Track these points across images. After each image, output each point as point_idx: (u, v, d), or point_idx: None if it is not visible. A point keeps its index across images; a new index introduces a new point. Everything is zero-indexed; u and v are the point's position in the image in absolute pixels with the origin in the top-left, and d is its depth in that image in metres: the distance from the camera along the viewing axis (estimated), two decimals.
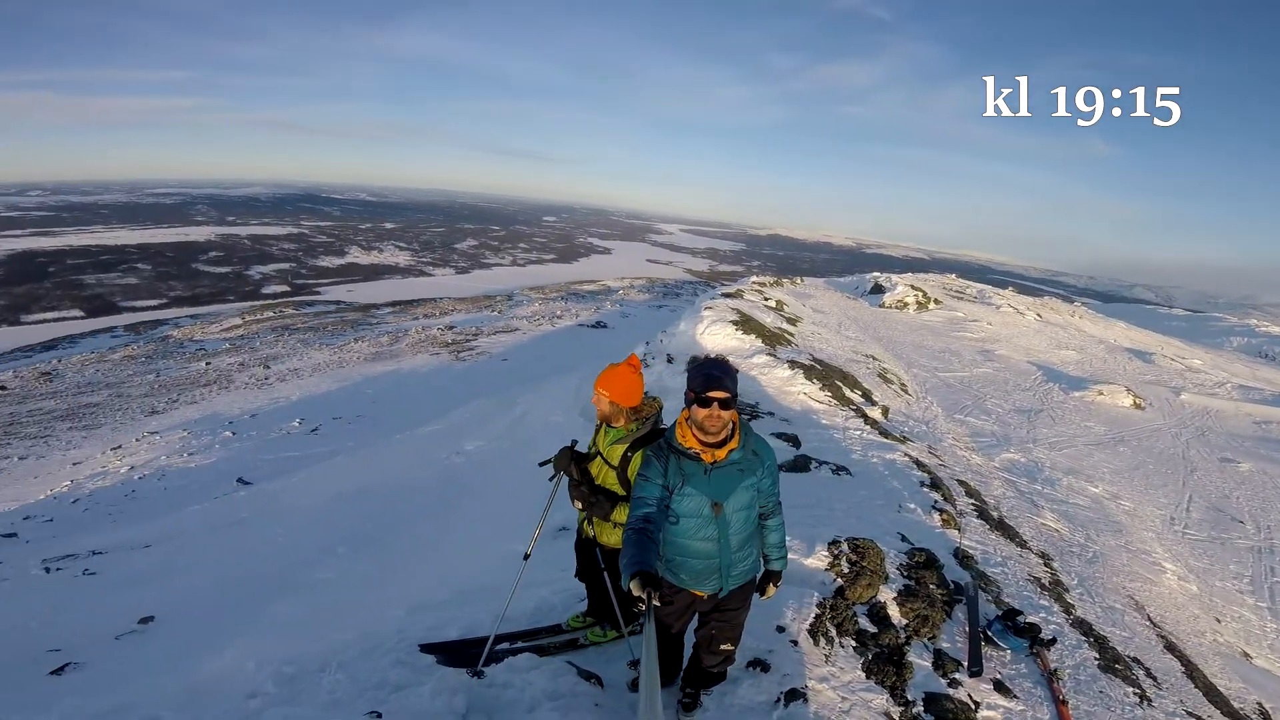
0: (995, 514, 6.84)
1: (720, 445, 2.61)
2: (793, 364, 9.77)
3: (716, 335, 11.03)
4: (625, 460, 2.98)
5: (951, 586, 4.10)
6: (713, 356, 2.70)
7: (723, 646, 2.92)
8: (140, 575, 6.32)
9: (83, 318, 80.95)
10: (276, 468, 11.51)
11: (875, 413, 9.08)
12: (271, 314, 46.31)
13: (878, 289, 29.78)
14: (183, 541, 7.44)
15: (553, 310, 35.46)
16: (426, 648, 3.43)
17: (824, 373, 9.90)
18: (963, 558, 4.80)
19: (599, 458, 3.08)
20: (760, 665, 3.23)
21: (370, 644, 3.38)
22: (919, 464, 7.02)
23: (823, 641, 3.35)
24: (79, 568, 6.88)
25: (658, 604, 2.30)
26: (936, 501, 5.91)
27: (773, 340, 11.50)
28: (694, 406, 2.56)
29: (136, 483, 11.38)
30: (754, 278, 26.26)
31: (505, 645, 3.50)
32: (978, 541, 5.53)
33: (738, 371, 2.70)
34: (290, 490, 8.77)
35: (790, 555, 3.77)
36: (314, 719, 2.75)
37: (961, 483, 7.42)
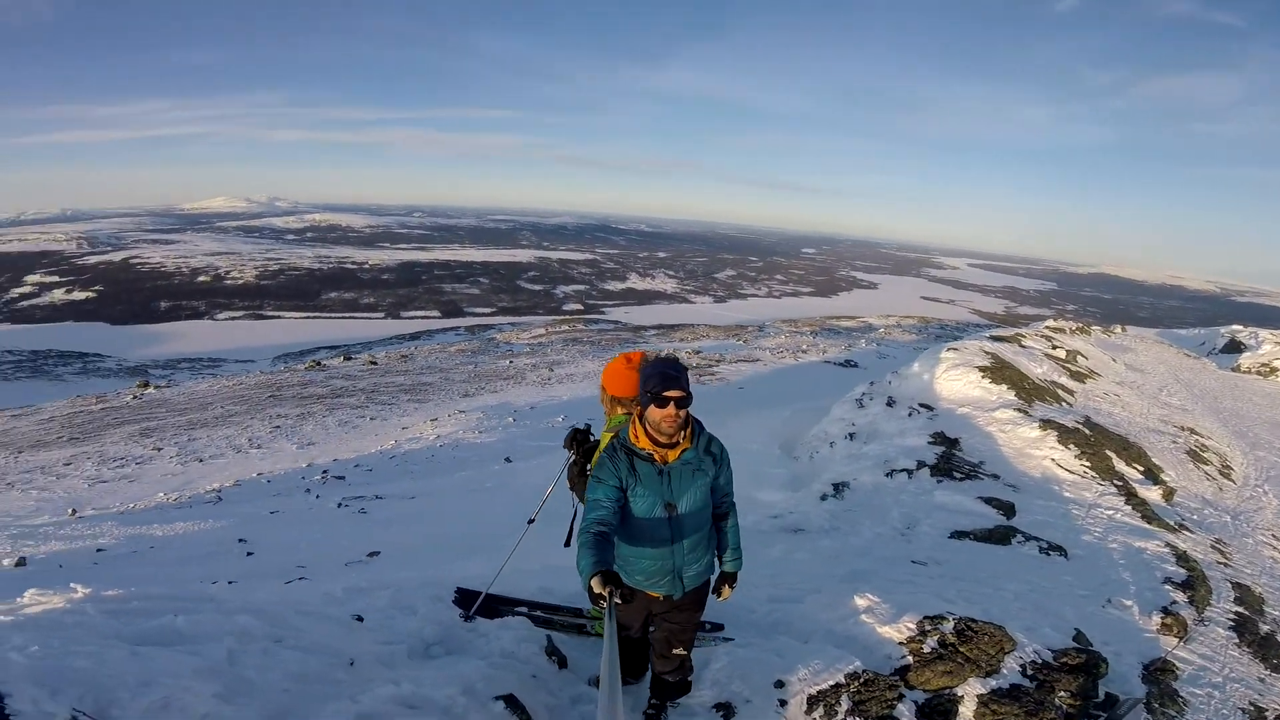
0: (1264, 629, 5.01)
1: (673, 446, 2.56)
2: (1047, 424, 8.18)
3: (955, 381, 9.73)
4: None
5: (1101, 698, 3.17)
6: (665, 356, 2.62)
7: (675, 650, 2.86)
8: (395, 519, 8.22)
9: (439, 317, 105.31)
10: (534, 451, 13.59)
11: (1153, 493, 7.15)
12: (566, 327, 54.51)
13: (1234, 347, 22.80)
14: (438, 499, 9.39)
15: (799, 344, 34.84)
16: (459, 591, 3.84)
17: (1092, 439, 8.09)
18: (1155, 671, 3.67)
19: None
20: (725, 710, 2.95)
21: (440, 585, 3.94)
22: (1182, 557, 5.46)
23: (820, 715, 2.85)
24: (359, 507, 9.15)
25: (619, 602, 2.25)
26: (1173, 603, 4.60)
27: (1032, 395, 9.74)
28: (650, 406, 2.49)
29: (437, 449, 14.54)
30: (1049, 322, 22.25)
31: (523, 610, 3.79)
32: (1203, 656, 4.13)
33: (687, 370, 2.62)
34: (530, 470, 10.42)
35: (866, 618, 3.38)
36: (332, 610, 3.42)
37: (1239, 586, 5.55)
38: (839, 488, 7.25)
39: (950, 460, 7.38)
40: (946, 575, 4.56)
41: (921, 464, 7.29)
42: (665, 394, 2.45)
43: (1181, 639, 4.22)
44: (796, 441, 9.83)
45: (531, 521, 3.68)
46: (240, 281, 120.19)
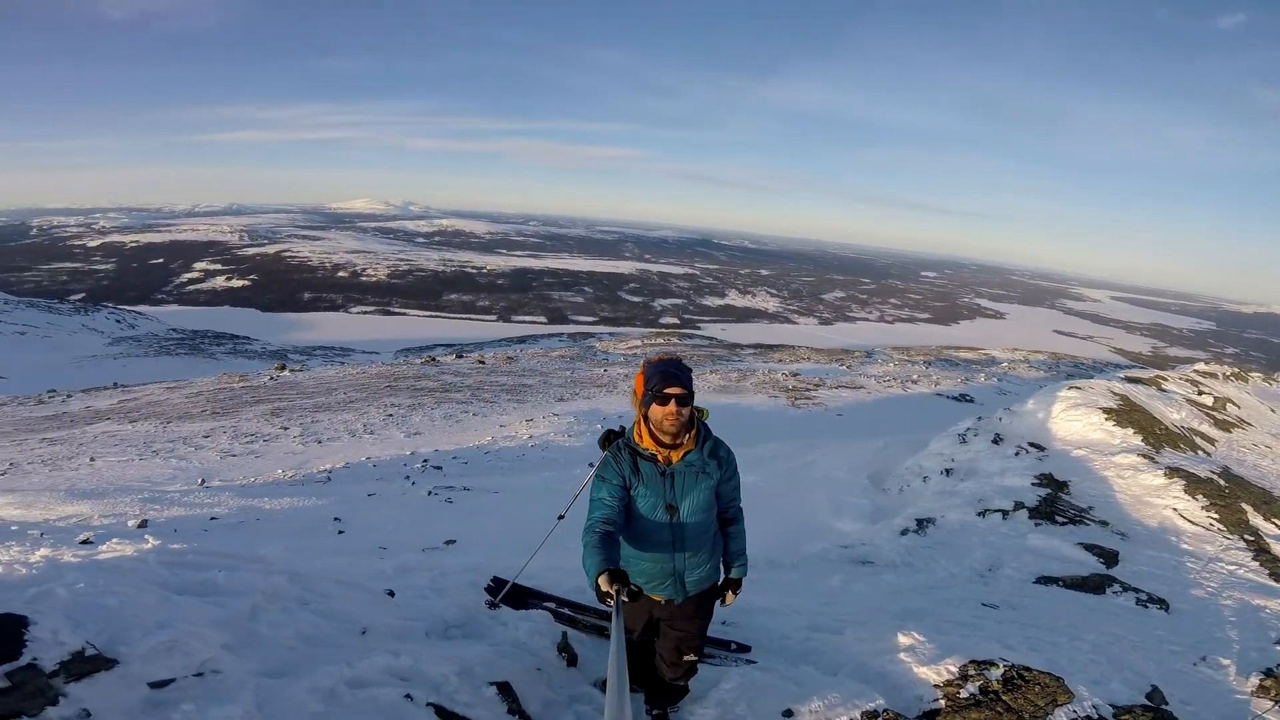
0: None
1: (676, 446, 2.53)
2: (1175, 471, 7.24)
3: (1073, 421, 8.84)
4: None
5: None
6: (666, 356, 2.60)
7: (685, 658, 2.82)
8: (477, 510, 8.47)
9: (546, 323, 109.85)
10: None
11: None
12: (661, 340, 54.88)
13: None
14: (520, 496, 9.61)
15: (909, 374, 32.73)
16: (494, 579, 3.94)
17: (1227, 490, 7.08)
18: None
19: None
20: None
21: (480, 573, 4.07)
22: None
23: None
24: (446, 497, 9.55)
25: (626, 600, 2.23)
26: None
27: (1162, 440, 8.63)
28: (653, 405, 2.48)
29: (528, 449, 14.91)
30: (1199, 365, 19.35)
31: (550, 604, 3.81)
32: None
33: (691, 370, 2.59)
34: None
35: (904, 657, 3.13)
36: (370, 584, 3.62)
37: None
38: (922, 523, 6.93)
39: (1054, 504, 6.95)
40: (1017, 621, 4.28)
41: (1020, 505, 6.89)
42: (666, 391, 2.45)
43: (1278, 702, 3.59)
44: (888, 473, 9.26)
45: (561, 518, 3.74)
46: (374, 279, 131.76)
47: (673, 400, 2.44)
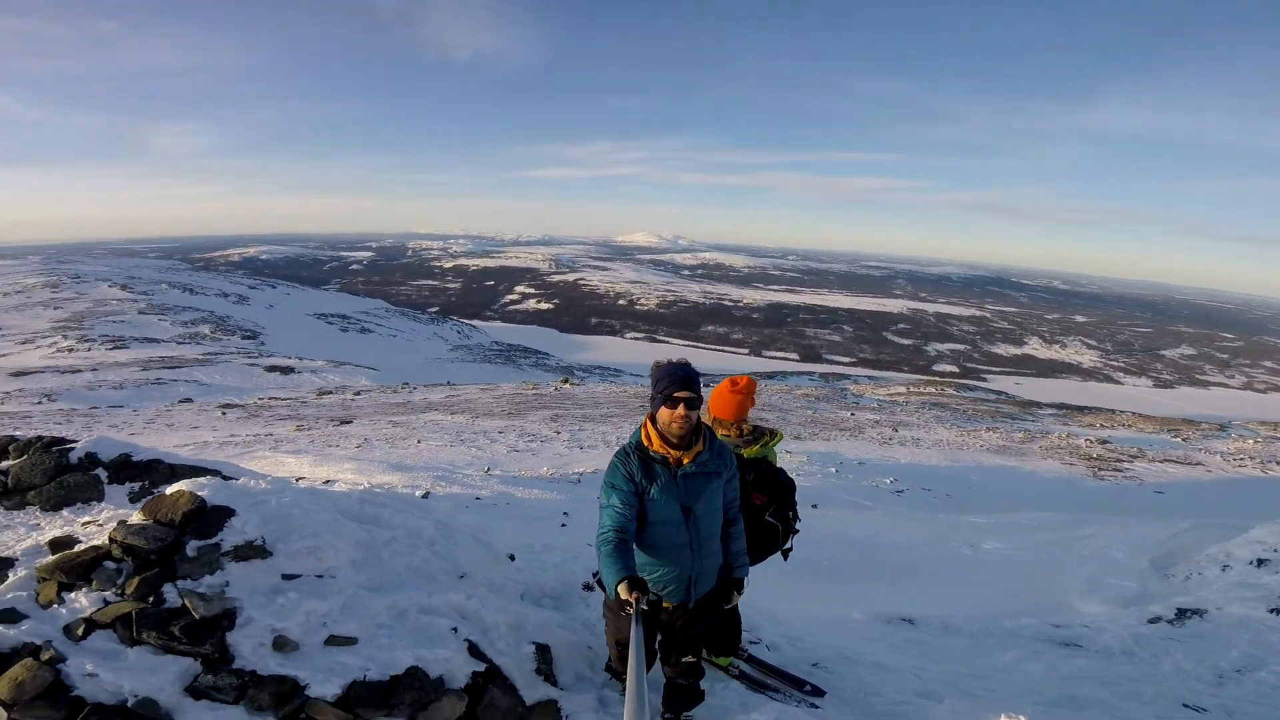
0: None
1: (687, 448, 2.54)
2: None
3: None
4: None
5: None
6: (675, 360, 2.60)
7: (684, 660, 2.81)
8: None
9: (797, 360, 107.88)
10: (846, 504, 13.00)
11: None
12: (932, 390, 48.90)
13: None
14: None
15: (1276, 453, 24.24)
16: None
17: None
18: None
19: None
20: None
21: None
22: None
23: None
24: None
25: (645, 607, 2.23)
26: None
27: None
28: (661, 407, 2.50)
29: None
30: None
31: None
32: None
33: (700, 375, 2.59)
34: (831, 519, 10.01)
35: None
36: (499, 546, 4.06)
37: None
38: (1184, 614, 5.74)
39: None
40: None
41: None
42: (676, 395, 2.47)
43: None
44: (1180, 558, 7.40)
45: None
46: (645, 308, 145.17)
47: (682, 403, 2.47)
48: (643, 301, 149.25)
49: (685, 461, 2.58)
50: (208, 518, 2.86)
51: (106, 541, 2.74)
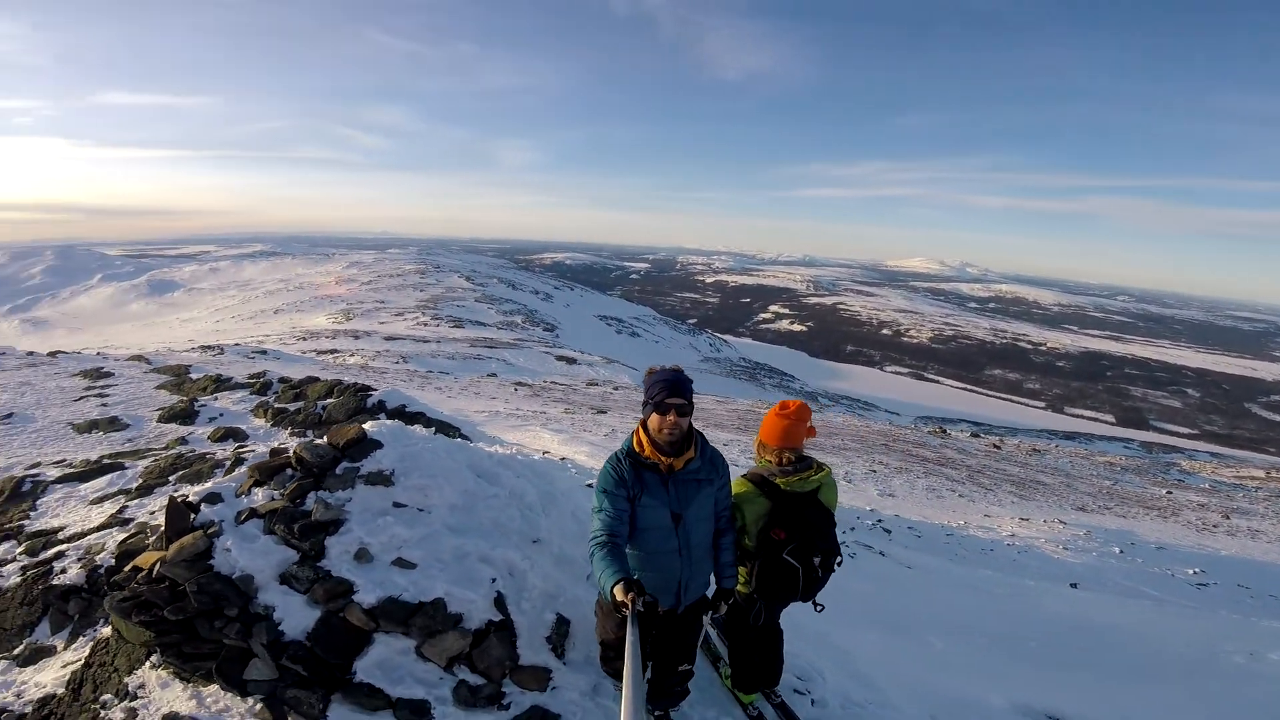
0: None
1: (678, 455, 2.57)
2: None
3: None
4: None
5: None
6: (668, 366, 2.62)
7: (680, 668, 2.88)
8: (874, 577, 7.94)
9: (1110, 424, 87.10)
10: (1123, 590, 10.50)
11: None
12: None
13: None
14: (930, 578, 8.49)
15: None
16: None
17: None
18: None
19: None
20: None
21: None
22: None
23: None
24: (854, 551, 9.24)
25: (641, 609, 2.22)
26: None
27: None
28: (652, 414, 2.54)
29: (1002, 545, 12.52)
30: None
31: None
32: None
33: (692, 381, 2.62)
34: (1069, 600, 7.90)
35: None
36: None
37: None
38: None
39: None
40: None
41: None
42: (668, 401, 2.49)
43: None
44: None
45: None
46: (915, 341, 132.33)
47: (673, 410, 2.50)
48: (912, 333, 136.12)
49: (677, 467, 2.61)
50: (362, 446, 3.50)
51: (294, 454, 3.48)
